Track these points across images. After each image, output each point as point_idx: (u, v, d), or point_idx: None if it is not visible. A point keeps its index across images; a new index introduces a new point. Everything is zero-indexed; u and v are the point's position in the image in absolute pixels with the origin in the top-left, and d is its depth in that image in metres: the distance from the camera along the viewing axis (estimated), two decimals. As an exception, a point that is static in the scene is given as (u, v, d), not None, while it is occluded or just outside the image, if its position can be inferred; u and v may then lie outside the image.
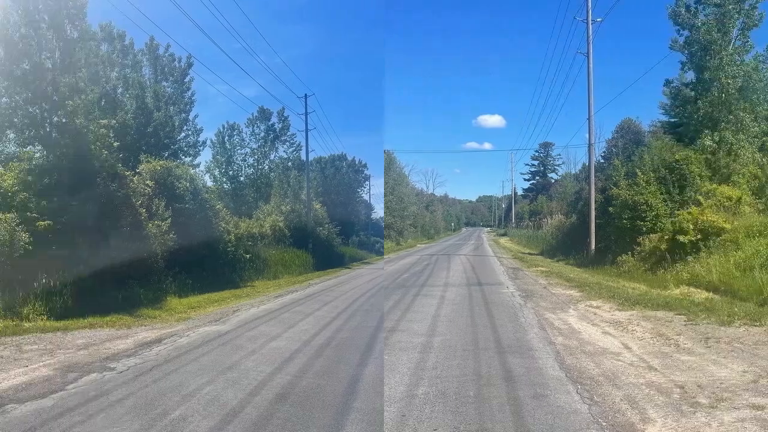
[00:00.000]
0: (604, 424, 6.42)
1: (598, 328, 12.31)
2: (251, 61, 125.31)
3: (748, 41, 29.73)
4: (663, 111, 41.67)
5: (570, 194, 62.75)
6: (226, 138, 50.68)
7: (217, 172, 49.73)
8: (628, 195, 27.33)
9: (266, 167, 50.79)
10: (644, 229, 25.67)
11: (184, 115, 38.25)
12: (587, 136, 33.85)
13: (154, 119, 33.54)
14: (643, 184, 27.19)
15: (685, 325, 12.32)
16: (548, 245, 47.37)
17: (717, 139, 28.99)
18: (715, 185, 26.38)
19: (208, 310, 17.07)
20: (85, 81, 19.01)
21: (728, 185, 26.41)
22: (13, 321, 13.08)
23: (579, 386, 7.86)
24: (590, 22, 32.97)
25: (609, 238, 29.83)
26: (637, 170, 28.73)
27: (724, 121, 29.27)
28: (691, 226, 21.63)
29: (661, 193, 27.02)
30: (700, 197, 25.14)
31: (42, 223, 15.17)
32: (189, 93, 38.57)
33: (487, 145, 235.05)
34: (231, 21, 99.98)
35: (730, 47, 29.35)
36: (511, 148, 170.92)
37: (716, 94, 29.30)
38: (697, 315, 13.10)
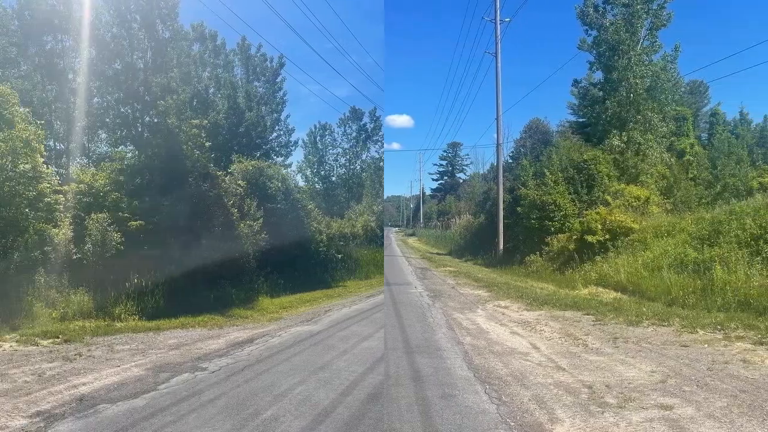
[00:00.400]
0: (512, 424, 5.03)
1: (506, 328, 9.76)
2: (343, 61, 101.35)
3: (656, 41, 23.29)
4: (571, 111, 33.87)
5: (478, 194, 48.31)
6: (318, 138, 41.10)
7: (308, 172, 40.63)
8: (537, 195, 21.20)
9: (358, 167, 41.31)
10: (552, 229, 19.91)
11: (275, 115, 31.49)
12: (495, 136, 28.08)
13: (245, 119, 27.84)
14: (552, 184, 21.22)
15: (593, 325, 9.77)
16: (456, 245, 37.51)
17: (625, 139, 22.78)
18: (623, 185, 20.99)
19: (300, 310, 13.95)
20: (176, 81, 15.81)
21: (636, 185, 21.09)
22: (105, 321, 10.60)
23: (487, 386, 6.17)
24: (498, 21, 25.69)
25: (517, 238, 23.31)
26: (546, 170, 22.51)
27: (633, 121, 22.95)
28: (600, 226, 16.97)
29: (570, 193, 21.12)
30: (608, 197, 19.95)
31: (134, 223, 12.53)
32: (281, 93, 31.82)
33: (395, 145, 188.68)
34: (323, 21, 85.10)
35: (639, 47, 22.83)
36: (420, 149, 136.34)
37: (624, 94, 22.90)
38: (606, 315, 10.38)
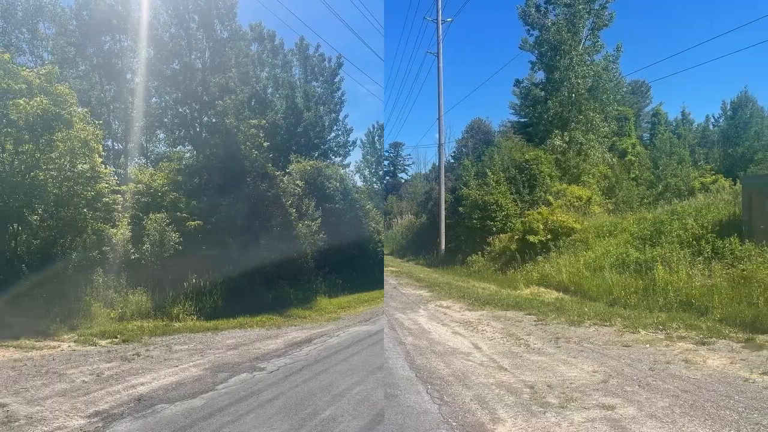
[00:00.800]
0: (454, 424, 3.88)
1: (448, 328, 7.55)
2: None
3: (598, 41, 18.03)
4: (513, 111, 26.56)
5: (420, 194, 37.11)
6: (376, 138, 33.26)
7: (367, 172, 33.08)
8: (478, 195, 16.45)
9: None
10: (494, 229, 15.46)
11: (333, 115, 24.32)
12: (437, 136, 22.47)
13: (304, 119, 21.86)
14: (493, 184, 16.43)
15: (535, 325, 7.55)
16: (398, 245, 30.53)
17: (567, 139, 17.44)
18: (565, 185, 16.22)
19: (358, 310, 11.22)
20: (235, 81, 12.59)
21: (578, 185, 16.31)
22: (163, 321, 8.38)
23: (429, 386, 4.83)
24: (440, 22, 19.99)
25: (459, 238, 18.09)
26: (487, 170, 17.35)
27: (574, 121, 17.63)
28: (541, 226, 13.19)
29: (511, 193, 16.33)
30: (550, 197, 15.52)
31: (192, 223, 10.09)
32: (339, 93, 24.49)
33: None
34: (381, 20, 67.44)
35: (581, 47, 17.68)
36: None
37: (566, 94, 17.62)
38: (547, 315, 8.02)
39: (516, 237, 14.28)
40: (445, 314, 8.93)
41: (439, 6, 20.28)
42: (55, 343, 6.70)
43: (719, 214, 9.91)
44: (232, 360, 6.28)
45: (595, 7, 17.82)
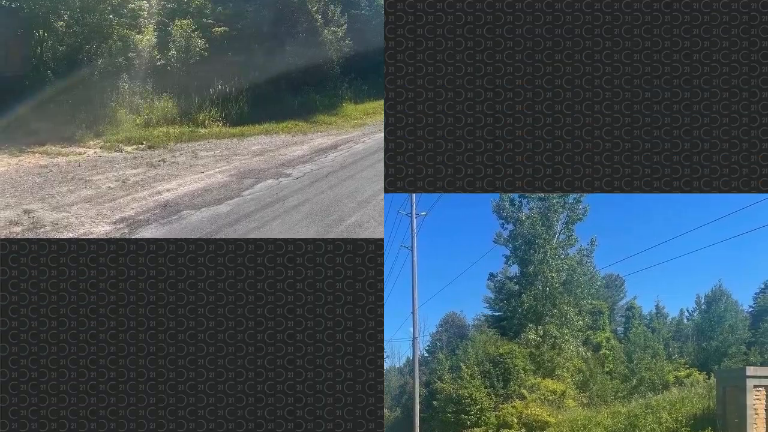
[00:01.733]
0: None
1: None
2: None
3: (572, 235, 12.84)
4: (487, 305, 20.54)
5: (394, 389, 22.34)
6: None
7: None
8: (453, 389, 12.24)
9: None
10: (468, 423, 11.53)
11: None
12: (411, 330, 17.19)
13: None
14: (468, 378, 12.07)
15: None
16: None
17: (541, 332, 12.97)
18: (539, 379, 12.09)
19: None
20: None
21: (553, 379, 12.15)
22: (188, 127, 7.23)
23: None
24: (414, 216, 15.08)
25: (433, 431, 17.12)
26: (462, 364, 12.85)
27: (549, 315, 13.10)
28: (516, 420, 10.49)
29: (486, 387, 11.88)
30: (524, 391, 11.87)
31: (218, 29, 8.65)
32: None
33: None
34: None
35: (555, 241, 13.00)
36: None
37: (540, 288, 13.15)
38: None
39: (490, 431, 11.45)
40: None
41: (413, 200, 14.58)
42: (81, 149, 6.12)
43: (693, 408, 8.06)
44: (258, 166, 5.34)
45: (569, 201, 13.21)
